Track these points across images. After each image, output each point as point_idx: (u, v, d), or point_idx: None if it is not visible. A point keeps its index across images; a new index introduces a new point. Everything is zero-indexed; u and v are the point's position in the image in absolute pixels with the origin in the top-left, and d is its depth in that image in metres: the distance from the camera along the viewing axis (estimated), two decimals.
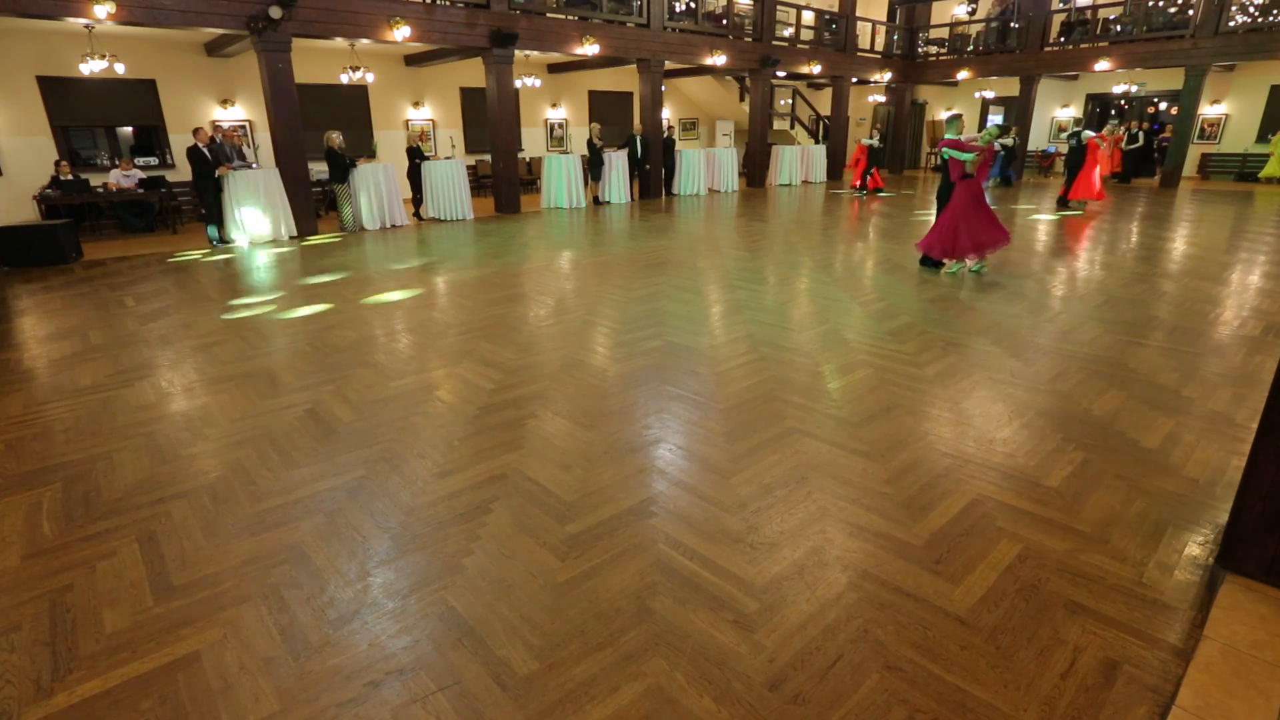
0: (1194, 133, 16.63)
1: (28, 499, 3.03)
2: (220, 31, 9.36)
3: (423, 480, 3.13)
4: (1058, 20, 17.71)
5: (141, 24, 8.53)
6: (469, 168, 13.50)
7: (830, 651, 2.07)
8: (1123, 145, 16.49)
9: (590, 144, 13.72)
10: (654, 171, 14.80)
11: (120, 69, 9.70)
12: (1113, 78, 18.06)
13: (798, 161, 18.02)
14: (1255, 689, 1.87)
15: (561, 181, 13.47)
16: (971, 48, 19.65)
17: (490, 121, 12.27)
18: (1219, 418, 3.68)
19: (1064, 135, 12.27)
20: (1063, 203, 12.65)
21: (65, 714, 1.90)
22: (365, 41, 10.65)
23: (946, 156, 6.97)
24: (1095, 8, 17.13)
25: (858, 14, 18.43)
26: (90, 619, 2.27)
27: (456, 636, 2.15)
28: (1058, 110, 20.08)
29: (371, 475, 3.18)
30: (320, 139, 10.75)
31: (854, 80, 18.99)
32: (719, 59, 14.74)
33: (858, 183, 15.95)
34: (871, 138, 16.13)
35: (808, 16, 17.49)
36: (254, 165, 10.70)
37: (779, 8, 16.20)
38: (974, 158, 6.71)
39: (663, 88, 14.73)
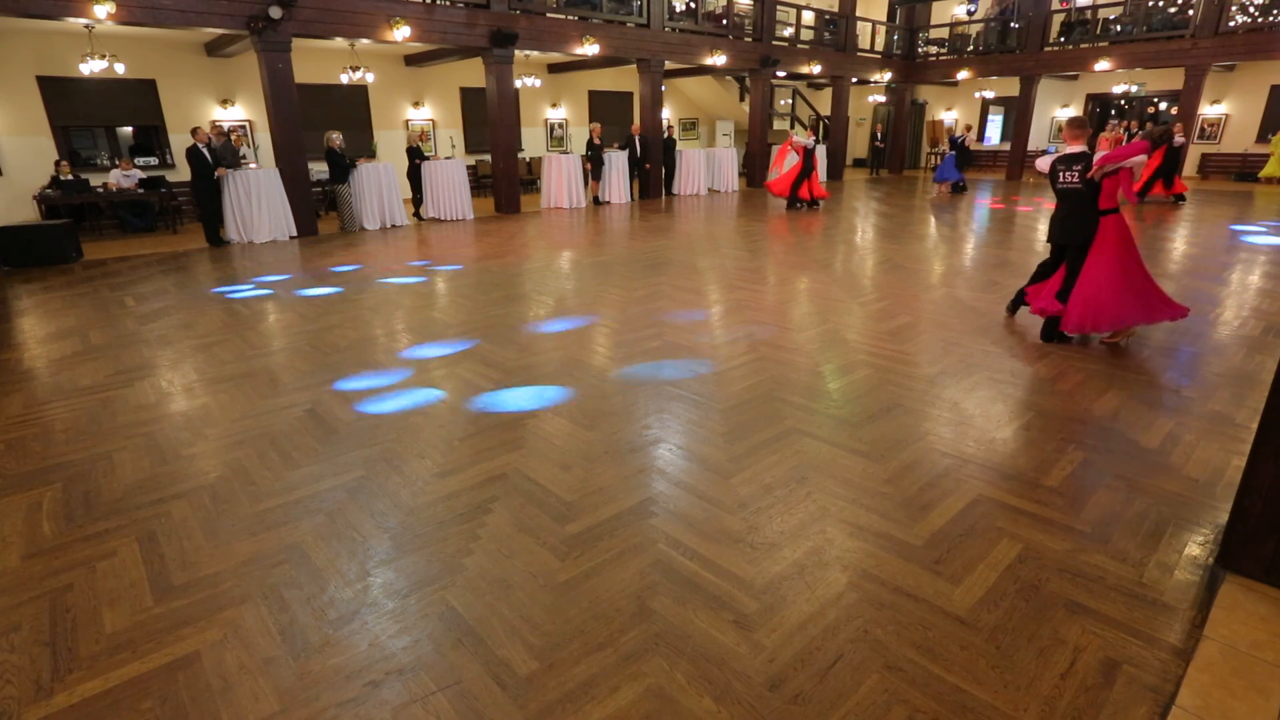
0: (1194, 133, 16.62)
1: (28, 499, 3.03)
2: (220, 31, 9.36)
3: (423, 480, 3.13)
4: (1058, 20, 17.72)
5: (141, 24, 8.53)
6: (469, 168, 13.50)
7: (830, 651, 2.07)
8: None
9: (590, 143, 13.72)
10: (654, 171, 14.80)
11: (120, 69, 9.70)
12: (1113, 78, 18.06)
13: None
14: (1255, 689, 1.87)
15: (562, 181, 13.47)
16: (971, 48, 19.66)
17: (490, 121, 12.27)
18: (1219, 418, 3.68)
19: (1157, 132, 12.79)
20: (1180, 199, 13.14)
21: (65, 714, 1.90)
22: (365, 41, 10.65)
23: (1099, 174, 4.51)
24: (1095, 8, 17.14)
25: (858, 14, 18.43)
26: (90, 619, 2.27)
27: (456, 636, 2.15)
28: (1058, 110, 20.08)
29: (371, 475, 3.18)
30: (320, 139, 10.76)
31: (854, 80, 18.99)
32: (719, 59, 14.74)
33: (784, 190, 12.55)
34: (805, 135, 12.56)
35: (808, 16, 17.49)
36: (253, 165, 10.69)
37: (779, 8, 16.20)
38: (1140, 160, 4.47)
39: (663, 88, 14.73)
